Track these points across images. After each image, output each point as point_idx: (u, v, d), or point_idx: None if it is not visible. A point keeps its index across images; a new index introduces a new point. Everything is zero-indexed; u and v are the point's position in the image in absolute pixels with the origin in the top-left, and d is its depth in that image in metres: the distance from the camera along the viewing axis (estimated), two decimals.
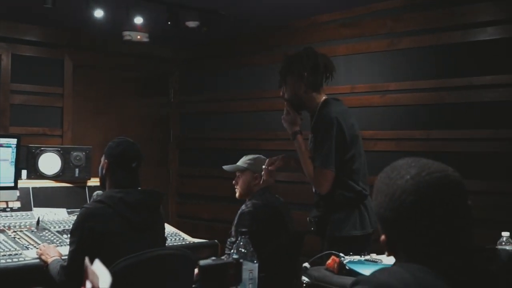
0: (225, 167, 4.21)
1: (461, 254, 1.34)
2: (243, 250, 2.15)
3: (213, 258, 1.66)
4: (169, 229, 4.30)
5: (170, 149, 6.65)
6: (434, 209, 1.34)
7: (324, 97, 3.42)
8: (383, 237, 1.43)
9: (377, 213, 1.43)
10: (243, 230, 2.19)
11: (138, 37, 5.60)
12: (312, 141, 3.39)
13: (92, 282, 1.15)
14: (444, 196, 1.35)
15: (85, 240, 2.94)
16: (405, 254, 1.38)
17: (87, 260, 1.19)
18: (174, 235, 4.24)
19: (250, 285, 2.15)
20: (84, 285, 1.23)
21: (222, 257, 1.68)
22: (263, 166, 3.57)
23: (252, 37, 5.88)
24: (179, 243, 4.08)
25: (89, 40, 5.88)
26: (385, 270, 1.37)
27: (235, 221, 3.92)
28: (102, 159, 3.24)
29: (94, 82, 6.09)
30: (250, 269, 2.14)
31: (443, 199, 1.34)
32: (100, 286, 1.12)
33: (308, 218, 3.48)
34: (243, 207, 3.94)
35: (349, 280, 2.52)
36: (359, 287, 1.31)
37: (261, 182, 3.70)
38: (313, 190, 3.47)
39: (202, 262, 1.59)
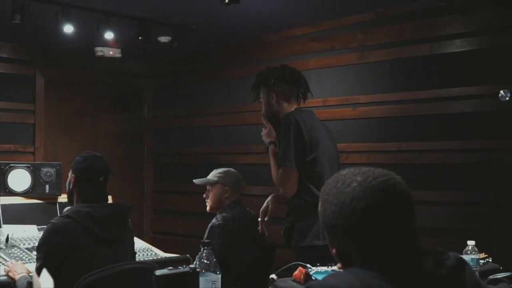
0: (195, 180, 4.22)
1: (409, 257, 1.36)
2: (205, 261, 2.14)
3: (170, 268, 1.66)
4: (141, 244, 4.30)
5: (145, 165, 6.63)
6: (385, 212, 1.37)
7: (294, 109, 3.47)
8: (334, 250, 1.45)
9: (326, 224, 1.45)
10: (206, 241, 2.19)
11: (111, 52, 5.60)
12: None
13: None
14: (392, 198, 1.38)
15: (52, 256, 2.92)
16: (356, 262, 1.40)
17: (34, 272, 1.19)
18: (146, 250, 4.23)
19: None
20: None
21: (179, 267, 1.68)
22: (259, 219, 3.56)
23: (224, 51, 5.91)
24: (151, 258, 4.06)
25: (60, 56, 5.87)
26: (335, 275, 1.39)
27: (206, 235, 3.91)
28: (70, 173, 3.24)
29: (67, 99, 6.08)
30: (213, 280, 2.14)
31: (391, 201, 1.38)
32: None
33: (281, 231, 3.50)
34: (214, 220, 3.94)
35: None
36: None
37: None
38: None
39: (158, 272, 1.59)
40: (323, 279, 1.38)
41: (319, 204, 1.49)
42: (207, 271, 2.12)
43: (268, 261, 4.01)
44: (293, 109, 3.46)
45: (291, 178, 3.30)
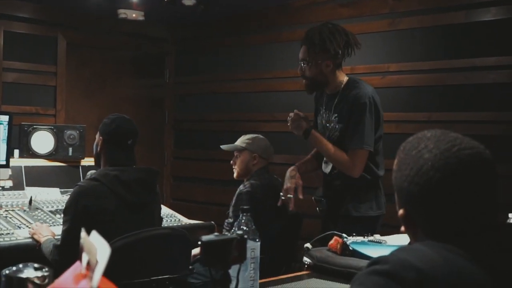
0: (223, 146, 4.15)
1: (488, 231, 1.25)
2: (245, 228, 2.06)
3: (216, 233, 1.56)
4: (164, 210, 4.23)
5: (165, 131, 6.54)
6: (464, 188, 1.25)
7: (346, 77, 3.35)
8: (401, 211, 1.33)
9: (399, 186, 1.33)
10: (245, 207, 2.10)
11: (134, 15, 5.49)
12: (336, 121, 3.28)
13: (89, 254, 1.05)
14: (475, 175, 1.26)
15: (79, 219, 2.87)
16: (424, 232, 1.29)
17: (83, 232, 1.09)
18: (169, 216, 4.18)
19: (252, 264, 2.07)
20: (81, 258, 1.13)
21: (225, 233, 1.59)
22: (282, 197, 3.28)
23: (250, 16, 5.76)
24: (175, 224, 4.00)
25: (83, 18, 5.74)
26: (405, 248, 1.26)
27: (233, 202, 3.85)
28: (97, 136, 3.17)
29: (88, 61, 5.97)
30: (252, 248, 2.06)
31: (473, 178, 1.26)
32: (97, 258, 1.02)
33: (313, 198, 3.39)
34: (241, 187, 3.88)
35: (352, 261, 2.45)
36: (378, 266, 1.20)
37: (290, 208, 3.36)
38: (326, 170, 3.37)
39: (205, 238, 1.49)
40: (391, 252, 1.24)
41: (395, 162, 1.37)
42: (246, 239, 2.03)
43: (294, 230, 3.95)
44: (345, 77, 3.34)
45: (365, 160, 3.20)
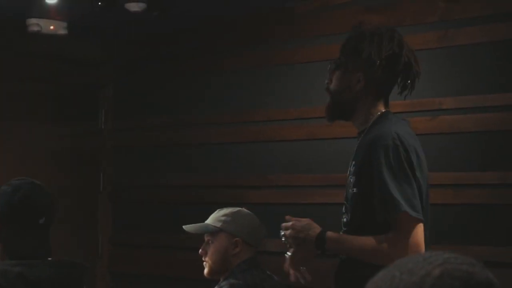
0: (187, 227, 4.16)
1: None
2: None
3: None
4: None
5: (100, 203, 6.59)
6: None
7: (383, 110, 3.42)
8: None
9: None
10: None
11: (51, 27, 5.55)
12: (352, 172, 3.33)
13: None
14: None
15: None
16: None
17: None
18: None
19: None
20: None
21: None
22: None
23: (230, 26, 5.88)
24: None
25: None
26: None
27: None
28: None
29: None
30: None
31: None
32: None
33: None
34: None
35: None
36: None
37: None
38: None
39: None
40: None
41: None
42: None
43: None
44: (382, 109, 3.39)
45: (420, 235, 3.15)
